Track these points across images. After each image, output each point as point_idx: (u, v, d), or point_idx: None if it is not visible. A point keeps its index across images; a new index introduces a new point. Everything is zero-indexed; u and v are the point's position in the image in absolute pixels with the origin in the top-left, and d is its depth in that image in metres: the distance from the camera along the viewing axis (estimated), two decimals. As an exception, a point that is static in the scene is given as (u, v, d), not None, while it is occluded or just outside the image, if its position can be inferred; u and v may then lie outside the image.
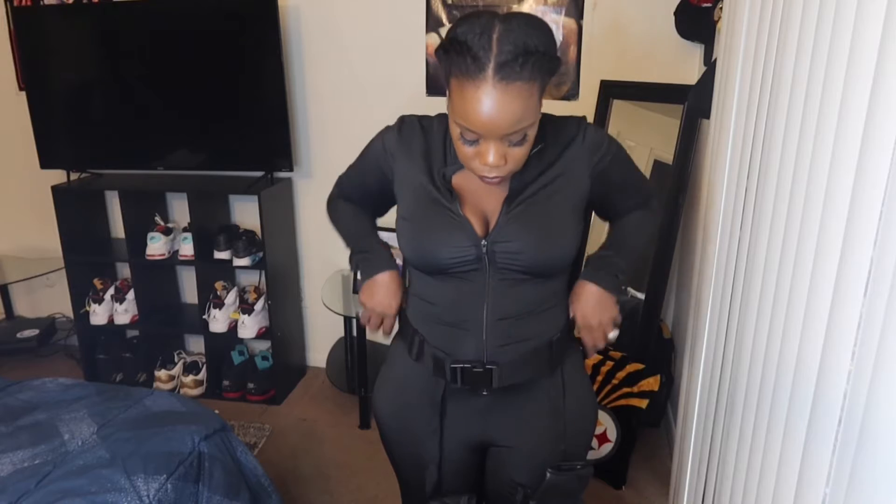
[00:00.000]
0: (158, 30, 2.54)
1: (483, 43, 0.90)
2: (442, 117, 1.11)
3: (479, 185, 1.06)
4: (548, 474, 1.12)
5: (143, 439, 1.50)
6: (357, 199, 1.28)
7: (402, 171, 1.12)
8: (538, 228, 1.06)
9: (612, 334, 1.15)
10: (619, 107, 2.40)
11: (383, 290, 1.17)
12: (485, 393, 1.13)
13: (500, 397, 1.14)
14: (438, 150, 1.11)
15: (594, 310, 1.15)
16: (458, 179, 1.09)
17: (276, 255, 2.67)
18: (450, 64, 0.94)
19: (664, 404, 2.45)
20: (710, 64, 2.00)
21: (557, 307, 1.16)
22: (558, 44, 2.42)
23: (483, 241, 1.06)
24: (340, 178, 1.32)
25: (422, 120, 1.14)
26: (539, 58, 0.90)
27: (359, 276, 1.19)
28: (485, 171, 0.98)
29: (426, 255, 1.08)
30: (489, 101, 0.90)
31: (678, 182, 2.23)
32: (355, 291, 2.63)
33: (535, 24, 0.93)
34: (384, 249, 1.20)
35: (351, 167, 1.28)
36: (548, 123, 1.08)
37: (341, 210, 1.30)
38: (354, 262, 1.21)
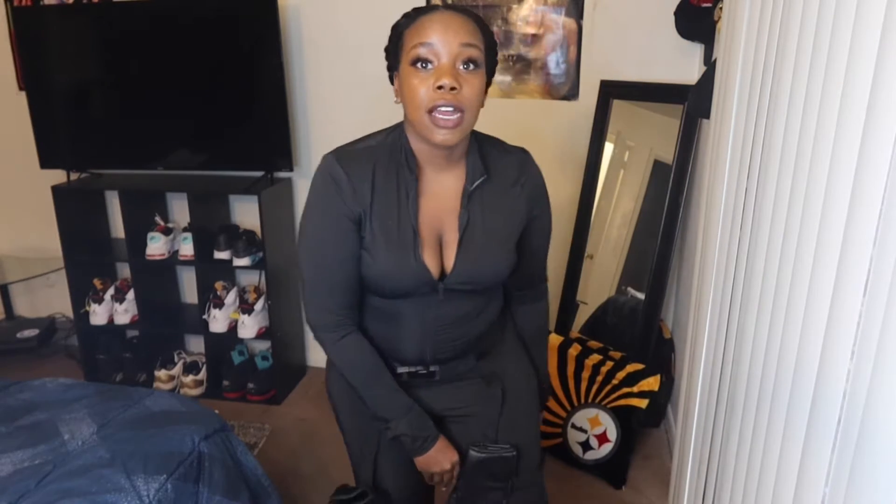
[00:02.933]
0: (158, 30, 2.54)
1: (429, 7, 1.06)
2: (377, 140, 1.15)
3: (436, 213, 1.14)
4: (471, 452, 1.23)
5: (143, 439, 1.50)
6: (348, 288, 1.16)
7: (368, 209, 1.12)
8: (485, 262, 1.16)
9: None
10: (619, 107, 2.40)
11: (444, 456, 1.23)
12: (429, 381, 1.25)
13: (443, 382, 1.25)
14: (390, 172, 1.13)
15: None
16: (422, 214, 1.14)
17: (276, 255, 2.67)
18: (400, 28, 1.06)
19: (664, 404, 2.46)
20: (710, 64, 2.00)
21: (487, 310, 1.25)
22: (558, 43, 2.42)
23: (440, 284, 1.15)
24: (310, 302, 1.18)
25: (350, 152, 1.14)
26: (482, 24, 1.06)
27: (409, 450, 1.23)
28: (438, 99, 1.01)
29: (384, 290, 1.16)
30: (442, 16, 1.03)
31: (678, 182, 2.23)
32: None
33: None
34: (422, 418, 1.22)
35: (309, 274, 1.17)
36: (488, 150, 1.17)
37: (350, 353, 1.19)
38: (399, 439, 1.22)
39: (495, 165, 1.17)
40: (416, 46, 1.02)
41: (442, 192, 1.15)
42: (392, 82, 1.13)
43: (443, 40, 1.01)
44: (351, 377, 1.20)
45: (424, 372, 1.22)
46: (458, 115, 1.03)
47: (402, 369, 1.22)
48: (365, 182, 1.10)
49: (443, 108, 1.02)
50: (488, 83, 1.09)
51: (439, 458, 1.23)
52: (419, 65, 1.03)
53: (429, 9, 1.05)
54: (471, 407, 1.27)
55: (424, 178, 1.14)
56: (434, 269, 1.14)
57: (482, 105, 1.07)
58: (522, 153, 1.22)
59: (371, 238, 1.11)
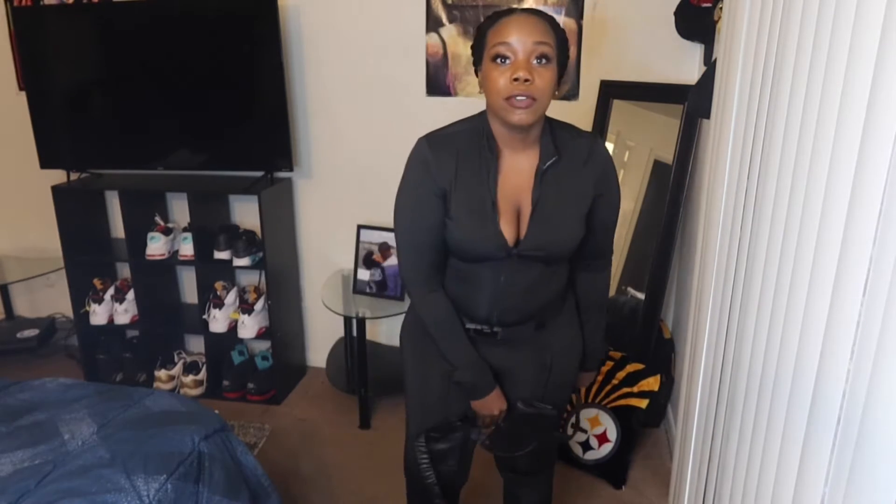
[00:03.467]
0: (158, 30, 2.54)
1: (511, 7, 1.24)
2: (464, 126, 1.32)
3: (513, 189, 1.30)
4: (519, 405, 1.43)
5: (144, 439, 1.50)
6: (436, 252, 1.35)
7: (452, 184, 1.29)
8: (555, 233, 1.31)
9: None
10: (619, 107, 2.40)
11: (495, 403, 1.41)
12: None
13: (502, 344, 1.42)
14: (473, 152, 1.29)
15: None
16: (500, 189, 1.30)
17: (276, 255, 2.67)
18: (484, 28, 1.23)
19: (664, 404, 2.46)
20: (710, 64, 2.00)
21: (552, 281, 1.40)
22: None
23: (514, 250, 1.30)
24: (404, 264, 1.39)
25: (438, 136, 1.32)
26: (556, 26, 1.23)
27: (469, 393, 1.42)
28: (515, 89, 1.17)
29: (465, 254, 1.33)
30: (519, 18, 1.19)
31: (678, 182, 2.23)
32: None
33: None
34: (483, 370, 1.40)
35: (403, 239, 1.36)
36: (560, 133, 1.32)
37: (436, 308, 1.38)
38: (462, 384, 1.40)
39: (566, 147, 1.31)
40: (497, 45, 1.19)
41: (518, 170, 1.30)
42: (476, 75, 1.29)
43: (519, 39, 1.17)
44: (431, 326, 1.38)
45: (489, 331, 1.39)
46: (531, 100, 1.18)
47: (470, 325, 1.39)
48: (450, 161, 1.28)
49: (518, 98, 1.18)
50: (561, 75, 1.24)
51: (491, 405, 1.41)
52: (499, 60, 1.19)
53: (508, 12, 1.22)
54: (522, 369, 1.44)
55: (503, 158, 1.30)
56: (510, 238, 1.30)
57: (554, 94, 1.23)
58: (592, 137, 1.36)
59: (455, 208, 1.28)
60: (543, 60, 1.19)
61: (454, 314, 1.38)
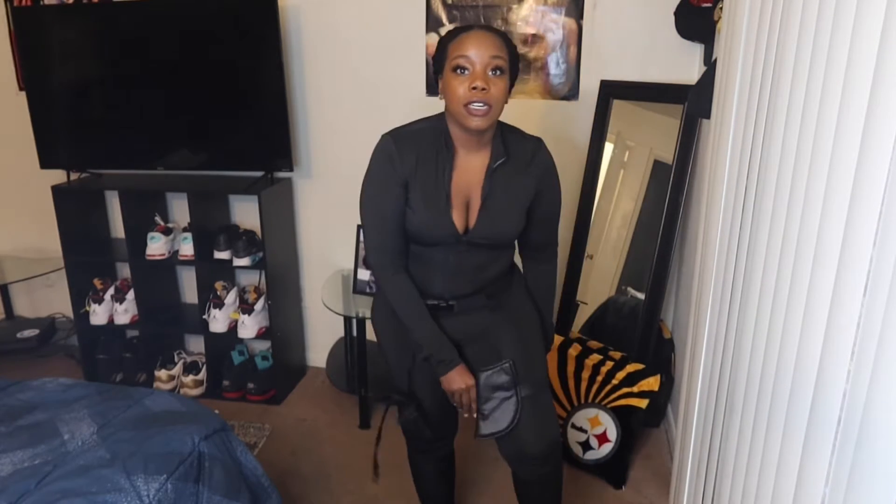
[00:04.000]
0: (158, 30, 2.55)
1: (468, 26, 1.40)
2: (424, 124, 1.48)
3: (465, 184, 1.47)
4: (478, 373, 1.54)
5: (144, 439, 1.50)
6: (399, 239, 1.50)
7: (413, 176, 1.44)
8: (500, 225, 1.49)
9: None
10: (619, 107, 2.40)
11: (461, 378, 1.54)
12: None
13: (459, 314, 1.58)
14: (431, 150, 1.45)
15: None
16: (454, 184, 1.46)
17: (276, 255, 2.67)
18: (444, 41, 1.39)
19: (664, 404, 2.46)
20: (710, 64, 2.00)
21: (497, 262, 1.57)
22: (558, 43, 2.42)
23: (463, 237, 1.48)
24: (370, 247, 1.55)
25: (402, 133, 1.47)
26: (508, 42, 1.39)
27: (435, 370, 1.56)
28: (472, 96, 1.33)
29: (421, 239, 1.49)
30: (477, 34, 1.36)
31: (678, 182, 2.23)
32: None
33: None
34: (447, 346, 1.54)
35: (369, 225, 1.52)
36: (509, 137, 1.49)
37: (400, 290, 1.53)
38: (429, 360, 1.55)
39: (514, 149, 1.48)
40: (457, 57, 1.34)
41: (471, 168, 1.47)
42: (437, 83, 1.45)
43: (477, 53, 1.33)
44: (396, 306, 1.53)
45: (444, 305, 1.55)
46: (487, 107, 1.34)
47: (428, 301, 1.54)
48: (412, 156, 1.43)
49: (475, 104, 1.33)
50: (511, 85, 1.41)
51: (457, 379, 1.53)
52: (458, 70, 1.35)
53: (467, 28, 1.38)
54: (481, 331, 1.58)
55: (458, 156, 1.46)
56: (460, 226, 1.47)
57: (506, 101, 1.40)
58: (536, 141, 1.52)
59: (414, 198, 1.44)
60: (498, 72, 1.35)
61: (417, 295, 1.52)
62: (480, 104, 1.33)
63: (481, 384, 1.54)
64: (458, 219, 1.46)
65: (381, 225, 1.49)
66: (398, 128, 1.48)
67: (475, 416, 1.56)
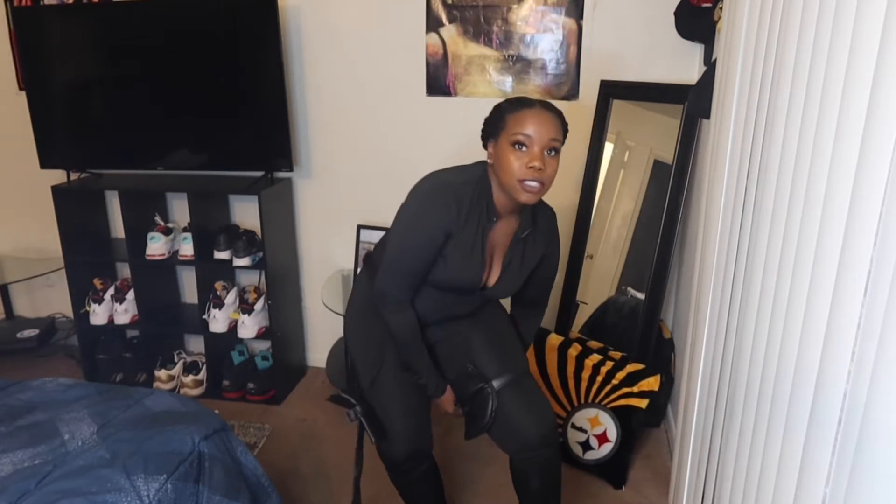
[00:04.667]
0: (158, 30, 2.55)
1: (530, 99, 1.45)
2: (471, 177, 1.51)
3: (493, 245, 1.55)
4: (468, 368, 1.64)
5: (143, 439, 1.50)
6: (419, 279, 1.55)
7: (457, 229, 1.49)
8: (513, 287, 1.62)
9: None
10: (619, 107, 2.40)
11: (447, 400, 1.70)
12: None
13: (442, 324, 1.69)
14: (475, 208, 1.49)
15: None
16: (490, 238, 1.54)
17: (276, 255, 2.67)
18: (503, 111, 1.43)
19: (664, 404, 2.46)
20: (710, 64, 2.00)
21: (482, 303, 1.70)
22: (559, 44, 2.42)
23: (480, 291, 1.59)
24: (389, 282, 1.56)
25: (454, 184, 1.49)
26: (565, 124, 1.46)
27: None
28: (529, 175, 1.38)
29: (443, 286, 1.56)
30: (540, 114, 1.40)
31: (678, 182, 2.23)
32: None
33: None
34: (439, 377, 1.66)
35: (400, 264, 1.53)
36: (535, 207, 1.54)
37: (405, 325, 1.59)
38: (423, 382, 1.65)
39: (538, 220, 1.58)
40: (518, 133, 1.39)
41: (501, 231, 1.55)
42: (486, 146, 1.49)
43: (537, 132, 1.38)
44: (399, 339, 1.59)
45: (423, 323, 1.64)
46: (540, 185, 1.40)
47: (421, 319, 1.62)
48: (464, 210, 1.47)
49: (530, 182, 1.39)
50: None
51: (445, 402, 1.70)
52: (517, 146, 1.39)
53: (530, 103, 1.42)
54: (455, 335, 1.69)
55: (498, 221, 1.53)
56: (483, 281, 1.57)
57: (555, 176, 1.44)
58: (552, 212, 1.64)
59: (451, 251, 1.49)
60: (553, 152, 1.40)
61: (418, 330, 1.59)
62: (535, 183, 1.38)
63: (455, 392, 1.68)
64: (483, 276, 1.56)
65: (412, 267, 1.51)
66: (446, 173, 1.51)
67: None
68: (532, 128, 1.37)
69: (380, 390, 1.66)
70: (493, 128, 1.45)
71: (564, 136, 1.45)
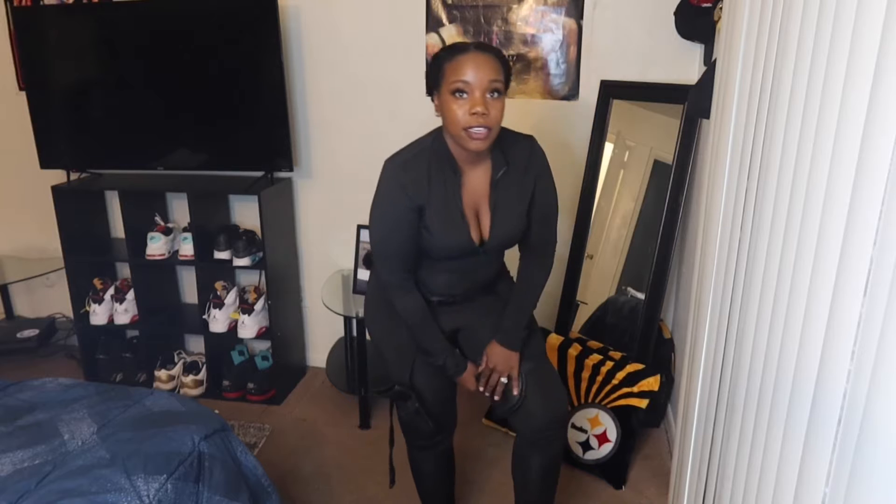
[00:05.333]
0: (158, 29, 2.55)
1: (462, 44, 1.39)
2: (423, 146, 1.49)
3: (473, 198, 1.52)
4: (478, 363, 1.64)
5: (143, 439, 1.50)
6: (411, 257, 1.54)
7: (427, 200, 1.47)
8: (511, 231, 1.57)
9: (503, 379, 1.62)
10: (619, 107, 2.40)
11: (470, 376, 1.66)
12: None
13: (460, 304, 1.67)
14: (438, 172, 1.47)
15: (500, 362, 1.63)
16: (464, 198, 1.51)
17: (276, 255, 2.67)
18: (440, 61, 1.38)
19: (664, 404, 2.46)
20: (710, 64, 2.00)
21: (499, 260, 1.70)
22: (559, 44, 2.42)
23: (480, 248, 1.55)
24: (384, 269, 1.58)
25: (407, 159, 1.48)
26: (503, 59, 1.40)
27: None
28: (472, 122, 1.35)
29: (437, 255, 1.54)
30: (475, 57, 1.36)
31: (678, 182, 2.23)
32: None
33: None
34: (456, 355, 1.64)
35: (383, 250, 1.55)
36: (506, 143, 1.51)
37: (412, 307, 1.58)
38: (440, 363, 1.63)
39: (512, 155, 1.52)
40: (455, 81, 1.35)
41: (476, 182, 1.52)
42: (432, 98, 1.45)
43: (476, 77, 1.34)
44: (409, 322, 1.60)
45: (450, 301, 1.65)
46: (487, 130, 1.37)
47: (433, 298, 1.63)
48: (423, 181, 1.45)
49: (476, 128, 1.36)
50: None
51: (468, 378, 1.65)
52: (457, 94, 1.36)
53: (464, 48, 1.37)
54: (474, 320, 1.69)
55: (464, 173, 1.50)
56: (476, 239, 1.53)
57: (502, 117, 1.41)
58: (529, 140, 1.56)
59: (431, 221, 1.47)
60: (496, 94, 1.37)
61: (427, 311, 1.59)
62: (481, 129, 1.36)
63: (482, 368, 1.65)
64: (473, 233, 1.52)
65: (395, 250, 1.52)
66: (399, 153, 1.50)
67: (496, 398, 1.65)
68: (470, 73, 1.34)
69: (415, 380, 1.68)
70: (434, 80, 1.42)
71: (507, 77, 1.40)
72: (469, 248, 1.53)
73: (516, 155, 1.53)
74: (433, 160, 1.47)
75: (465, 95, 1.36)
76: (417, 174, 1.45)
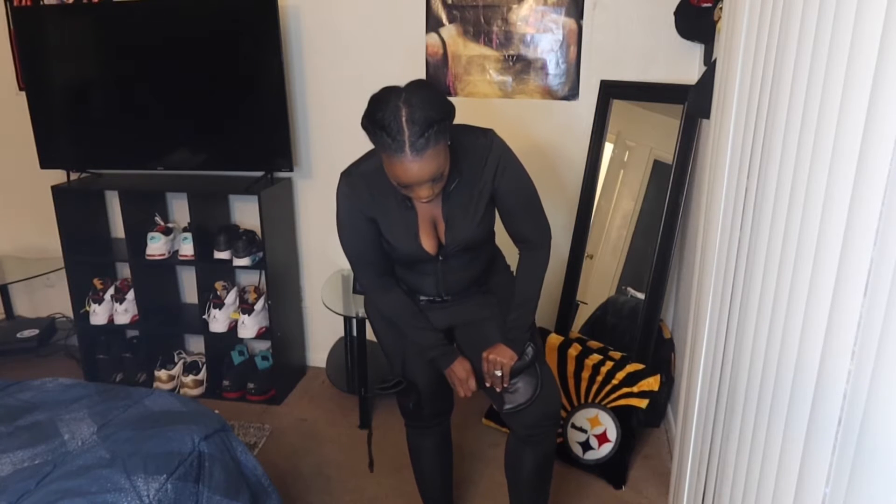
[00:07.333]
0: (158, 30, 2.55)
1: (396, 126, 1.28)
2: (376, 162, 1.46)
3: (427, 208, 1.50)
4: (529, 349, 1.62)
5: (143, 439, 1.50)
6: (381, 261, 1.58)
7: (376, 213, 1.51)
8: (468, 232, 1.54)
9: (497, 372, 1.60)
10: (619, 107, 2.40)
11: (461, 367, 1.63)
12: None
13: (453, 303, 1.68)
14: (387, 186, 1.44)
15: (495, 352, 1.60)
16: (418, 209, 1.50)
17: (276, 255, 2.67)
18: (375, 141, 1.35)
19: (664, 404, 2.46)
20: (710, 64, 2.00)
21: (480, 258, 1.65)
22: (558, 44, 2.42)
23: (439, 256, 1.56)
24: (358, 274, 1.66)
25: (353, 173, 1.52)
26: (439, 125, 1.29)
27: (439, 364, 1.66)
28: (420, 200, 1.39)
29: (403, 262, 1.60)
30: (412, 168, 1.30)
31: (678, 182, 2.23)
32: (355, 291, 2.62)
33: (432, 97, 1.33)
34: (445, 346, 1.64)
35: (351, 257, 1.59)
36: (459, 148, 1.44)
37: (393, 305, 1.62)
38: (431, 356, 1.64)
39: (465, 163, 1.47)
40: (394, 178, 1.34)
41: None
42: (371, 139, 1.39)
43: (418, 178, 1.32)
44: (395, 318, 1.63)
45: (440, 300, 1.66)
46: (433, 196, 1.38)
47: (423, 299, 1.65)
48: (365, 194, 1.49)
49: (423, 200, 1.38)
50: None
51: (459, 369, 1.63)
52: (400, 186, 1.36)
53: (399, 149, 1.28)
54: (471, 317, 1.69)
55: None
56: (432, 248, 1.54)
57: (448, 165, 1.38)
58: (485, 139, 1.49)
59: (385, 231, 1.52)
60: (438, 178, 1.35)
61: (411, 304, 1.62)
62: (427, 199, 1.39)
63: (514, 367, 1.62)
64: (428, 242, 1.53)
65: (361, 255, 1.57)
66: (352, 166, 1.53)
67: (499, 390, 1.63)
68: (412, 177, 1.31)
69: (407, 368, 1.72)
70: (374, 142, 1.37)
71: (445, 133, 1.32)
72: (425, 257, 1.55)
73: (470, 161, 1.48)
74: (381, 179, 1.43)
75: (410, 189, 1.37)
76: (361, 188, 1.49)
